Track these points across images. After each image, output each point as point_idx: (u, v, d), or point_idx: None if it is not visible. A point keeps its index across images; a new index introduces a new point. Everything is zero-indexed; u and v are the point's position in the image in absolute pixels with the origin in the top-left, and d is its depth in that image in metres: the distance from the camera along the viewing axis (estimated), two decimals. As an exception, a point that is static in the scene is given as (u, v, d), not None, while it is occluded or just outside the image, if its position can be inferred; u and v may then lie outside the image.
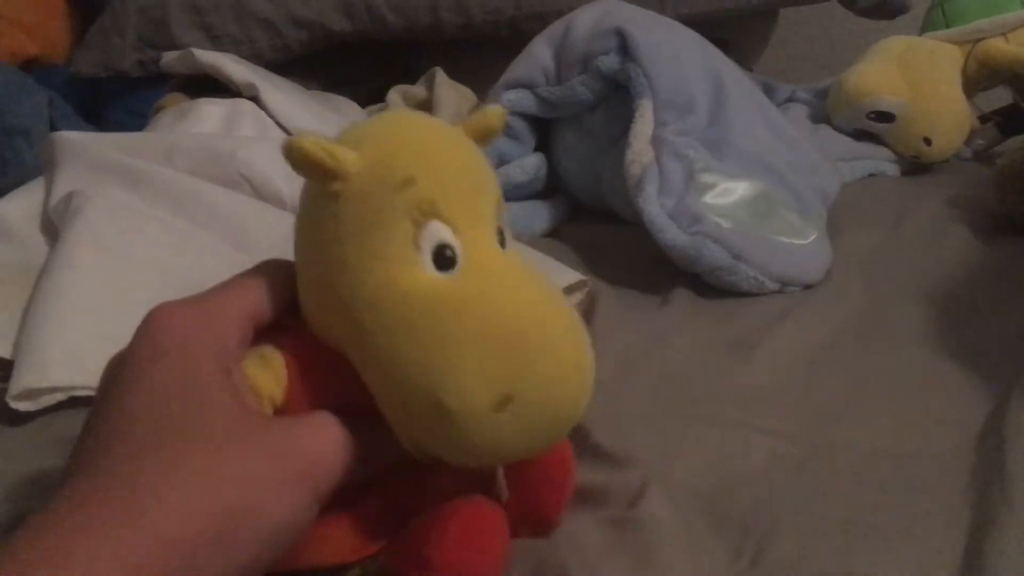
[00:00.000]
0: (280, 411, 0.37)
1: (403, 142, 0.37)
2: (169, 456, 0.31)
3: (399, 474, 0.39)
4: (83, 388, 0.54)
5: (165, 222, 0.71)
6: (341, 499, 0.37)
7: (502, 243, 0.38)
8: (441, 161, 0.36)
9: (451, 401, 0.33)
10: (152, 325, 0.35)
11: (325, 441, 0.35)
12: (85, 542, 0.28)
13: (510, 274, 0.36)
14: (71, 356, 0.56)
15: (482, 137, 0.39)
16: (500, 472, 0.42)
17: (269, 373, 0.36)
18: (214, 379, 0.33)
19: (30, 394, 0.54)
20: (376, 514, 0.39)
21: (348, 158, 0.35)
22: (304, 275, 0.38)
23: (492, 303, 0.34)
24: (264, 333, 0.39)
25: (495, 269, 0.36)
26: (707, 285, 0.76)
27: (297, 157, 0.35)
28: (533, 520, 0.42)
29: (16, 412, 0.54)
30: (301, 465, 0.33)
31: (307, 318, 0.38)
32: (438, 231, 0.35)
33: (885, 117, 1.07)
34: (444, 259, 0.35)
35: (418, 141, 0.37)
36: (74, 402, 0.55)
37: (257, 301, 0.37)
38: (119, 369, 0.34)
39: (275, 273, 0.38)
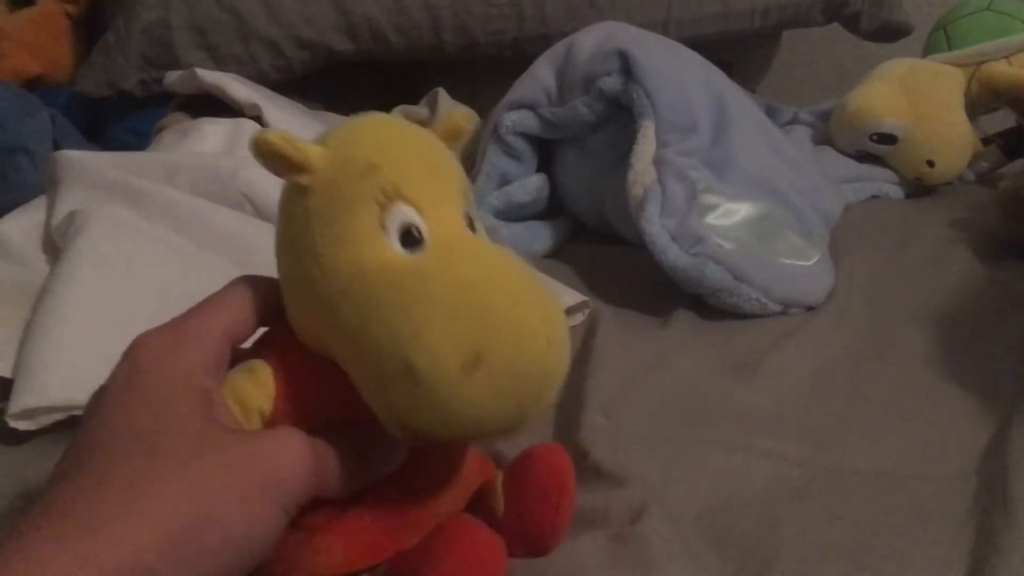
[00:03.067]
0: (270, 422, 0.37)
1: (366, 135, 0.38)
2: (136, 471, 0.32)
3: (396, 486, 0.39)
4: (82, 408, 0.54)
5: (167, 241, 0.71)
6: (337, 513, 0.38)
7: (472, 228, 0.38)
8: (403, 149, 0.38)
9: (420, 361, 0.33)
10: (131, 351, 0.36)
11: (288, 453, 0.35)
12: (52, 563, 0.29)
13: (475, 247, 0.37)
14: (71, 375, 0.55)
15: (450, 138, 0.41)
16: (499, 487, 0.42)
17: (256, 386, 0.37)
18: (184, 398, 0.34)
19: (29, 413, 0.54)
20: (372, 527, 0.39)
21: (313, 151, 0.37)
22: (284, 277, 0.39)
23: (457, 270, 0.35)
24: (255, 348, 0.40)
25: (461, 243, 0.37)
26: (709, 306, 0.75)
27: (264, 151, 0.36)
28: (529, 539, 0.42)
29: (15, 431, 0.54)
30: (262, 477, 0.34)
31: (293, 324, 0.39)
32: (402, 212, 0.36)
33: (888, 139, 1.07)
34: (411, 239, 0.36)
35: (381, 134, 0.38)
36: (73, 421, 0.54)
37: (233, 319, 0.38)
38: (100, 393, 0.36)
39: (253, 288, 0.39)
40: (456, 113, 0.41)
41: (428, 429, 0.35)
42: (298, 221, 0.37)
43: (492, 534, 0.38)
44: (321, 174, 0.37)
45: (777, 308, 0.75)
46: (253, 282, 0.40)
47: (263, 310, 0.39)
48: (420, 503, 0.40)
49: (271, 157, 0.36)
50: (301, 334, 0.38)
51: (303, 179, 0.37)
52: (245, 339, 0.39)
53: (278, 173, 0.37)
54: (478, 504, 0.42)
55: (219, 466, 0.33)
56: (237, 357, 0.39)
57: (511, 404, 0.34)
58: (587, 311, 0.75)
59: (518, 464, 0.42)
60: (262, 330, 0.41)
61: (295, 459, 0.35)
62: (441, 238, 0.36)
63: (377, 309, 0.34)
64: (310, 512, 0.37)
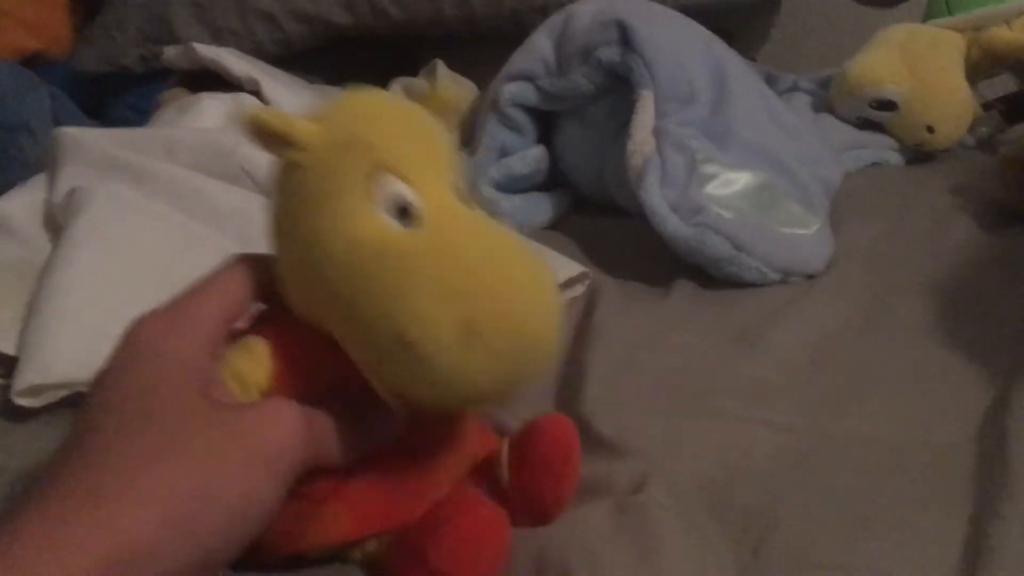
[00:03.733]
0: (267, 396, 0.38)
1: (357, 110, 0.39)
2: (131, 451, 0.33)
3: (399, 454, 0.40)
4: (86, 384, 0.54)
5: (168, 218, 0.71)
6: (341, 481, 0.38)
7: (463, 201, 0.39)
8: (394, 124, 0.39)
9: (414, 333, 0.34)
10: (130, 333, 0.37)
11: (280, 424, 0.35)
12: (52, 545, 0.29)
13: (469, 220, 0.37)
14: (74, 352, 0.56)
15: (441, 109, 0.42)
16: (504, 457, 0.43)
17: (254, 362, 0.38)
18: (178, 377, 0.35)
19: (34, 391, 0.54)
20: (377, 494, 0.40)
21: (306, 128, 0.37)
22: (279, 253, 0.39)
23: (449, 242, 0.36)
24: (253, 325, 0.40)
25: (452, 217, 0.37)
26: (709, 276, 0.76)
27: (256, 128, 0.37)
28: (533, 509, 0.42)
29: (20, 408, 0.54)
30: (256, 449, 0.34)
31: (288, 299, 0.39)
32: (391, 184, 0.36)
33: (888, 106, 1.06)
34: (403, 212, 0.36)
35: (372, 109, 0.39)
36: (78, 398, 0.55)
37: (229, 298, 0.39)
38: (99, 376, 0.36)
39: (249, 265, 0.40)
40: (445, 85, 0.42)
41: (425, 399, 0.35)
42: (291, 197, 0.37)
43: (495, 509, 0.39)
44: (313, 150, 0.37)
45: (777, 277, 0.75)
46: (249, 259, 0.40)
47: (259, 287, 0.40)
48: (425, 470, 0.41)
49: (263, 134, 0.37)
50: (297, 308, 0.39)
51: (296, 155, 0.37)
52: (241, 317, 0.40)
53: (271, 150, 0.38)
54: (483, 474, 0.43)
55: (212, 440, 0.33)
56: (235, 335, 0.39)
57: (506, 371, 0.35)
58: (587, 282, 0.75)
59: (523, 434, 0.43)
60: (259, 306, 0.41)
61: (287, 429, 0.35)
62: (432, 211, 0.37)
63: (370, 283, 0.35)
64: (315, 481, 0.37)
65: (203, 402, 0.35)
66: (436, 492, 0.41)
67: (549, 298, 0.36)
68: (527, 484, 0.42)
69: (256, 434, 0.34)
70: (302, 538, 0.39)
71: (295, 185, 0.37)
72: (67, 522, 0.30)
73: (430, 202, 0.37)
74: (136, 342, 0.36)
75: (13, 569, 0.29)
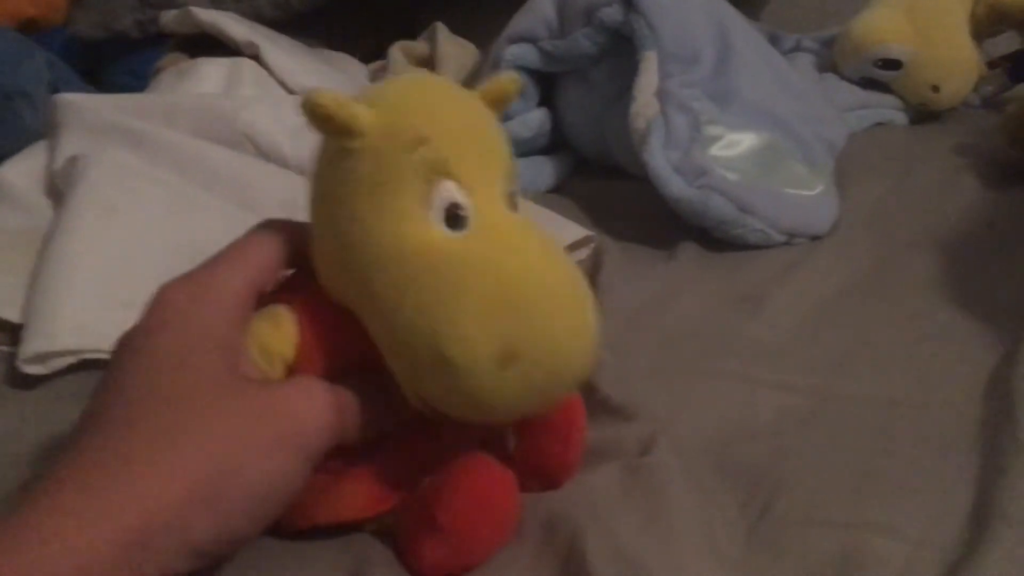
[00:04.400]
0: (292, 369, 0.37)
1: (418, 103, 0.37)
2: (160, 423, 0.33)
3: (415, 430, 0.40)
4: (92, 351, 0.54)
5: (169, 184, 0.70)
6: (358, 457, 0.38)
7: (514, 207, 0.38)
8: (454, 122, 0.37)
9: (453, 352, 0.33)
10: (155, 302, 0.36)
11: (310, 403, 0.35)
12: (78, 512, 0.30)
13: (517, 234, 0.36)
14: (79, 319, 0.56)
15: (496, 103, 0.40)
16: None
17: (279, 332, 0.37)
18: (207, 350, 0.35)
19: (40, 358, 0.54)
20: (392, 470, 0.39)
21: (364, 115, 0.35)
22: (317, 232, 0.38)
23: (496, 260, 0.35)
24: (278, 291, 0.39)
25: (503, 229, 0.36)
26: (714, 238, 0.75)
27: (315, 112, 0.35)
28: (541, 474, 0.42)
29: (27, 376, 0.54)
30: (285, 426, 0.34)
31: (319, 275, 0.38)
32: (449, 190, 0.35)
33: (892, 65, 1.05)
34: (455, 218, 0.35)
35: (433, 102, 0.37)
36: (84, 364, 0.55)
37: (257, 268, 0.38)
38: (126, 342, 0.36)
39: (277, 234, 0.39)
40: (503, 77, 0.40)
41: (453, 412, 0.35)
42: (341, 183, 0.36)
43: (503, 470, 0.39)
44: (370, 139, 0.36)
45: (782, 239, 0.75)
46: (277, 227, 0.40)
47: (287, 256, 0.39)
48: (441, 447, 0.40)
49: (322, 120, 0.35)
50: (327, 284, 0.38)
51: (353, 143, 0.36)
52: (269, 286, 0.39)
53: (327, 134, 0.37)
54: (490, 439, 0.43)
55: (241, 417, 0.33)
56: (262, 298, 0.39)
57: (540, 394, 0.35)
58: (592, 245, 0.75)
59: None
60: (286, 272, 0.41)
61: (318, 410, 0.35)
62: (485, 221, 0.36)
63: (414, 291, 0.34)
64: (331, 457, 0.37)
65: (231, 377, 0.35)
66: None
67: (588, 318, 0.36)
68: (533, 450, 0.42)
69: (287, 414, 0.35)
70: (317, 513, 0.39)
71: (346, 172, 0.36)
72: (95, 490, 0.30)
73: (484, 211, 0.36)
74: (163, 310, 0.36)
75: (37, 538, 0.29)
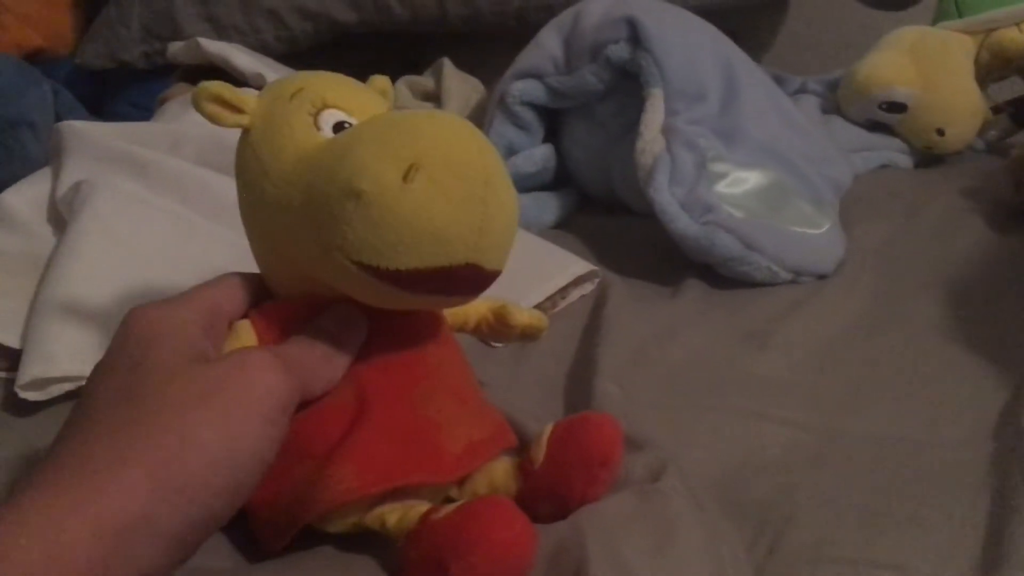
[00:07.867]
0: None
1: (291, 76, 0.43)
2: (117, 419, 0.34)
3: (404, 407, 0.41)
4: (91, 378, 0.54)
5: (172, 212, 0.70)
6: (344, 436, 0.40)
7: None
8: (327, 77, 0.43)
9: (363, 183, 0.36)
10: (124, 324, 0.39)
11: (253, 366, 0.37)
12: (47, 510, 0.31)
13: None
14: (79, 346, 0.55)
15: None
16: (544, 438, 0.42)
17: (238, 339, 0.41)
18: (168, 355, 0.36)
19: (38, 384, 0.54)
20: (382, 450, 0.40)
21: (248, 95, 0.41)
22: (246, 221, 0.44)
23: (386, 116, 0.40)
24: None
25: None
26: (719, 276, 0.75)
27: (203, 97, 0.41)
28: (557, 497, 0.41)
29: (24, 402, 0.54)
30: (232, 393, 0.35)
31: (268, 283, 0.43)
32: (333, 114, 0.41)
33: (897, 108, 1.06)
34: (344, 128, 0.41)
35: (304, 72, 0.44)
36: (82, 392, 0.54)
37: (217, 296, 0.41)
38: (98, 364, 0.38)
39: (240, 276, 0.43)
40: (375, 78, 0.48)
41: (389, 256, 0.36)
42: (247, 159, 0.41)
43: (524, 523, 0.36)
44: (258, 109, 0.41)
45: (788, 277, 0.74)
46: (240, 273, 0.44)
47: (244, 298, 0.43)
48: (432, 422, 0.41)
49: (210, 102, 0.41)
50: (274, 284, 0.43)
51: (243, 119, 0.41)
52: (235, 315, 0.42)
53: (219, 121, 0.41)
54: (519, 452, 0.43)
55: (190, 395, 0.35)
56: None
57: (456, 205, 0.36)
58: (597, 280, 0.74)
59: (570, 424, 0.42)
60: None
61: (262, 369, 0.37)
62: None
63: (319, 169, 0.38)
64: (316, 438, 0.39)
65: (181, 366, 0.36)
66: (452, 446, 0.41)
67: (486, 143, 0.38)
68: (559, 472, 0.41)
69: (231, 383, 0.36)
70: (312, 501, 0.39)
71: (247, 147, 0.41)
72: (61, 490, 0.31)
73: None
74: (128, 329, 0.38)
75: (8, 537, 0.29)
